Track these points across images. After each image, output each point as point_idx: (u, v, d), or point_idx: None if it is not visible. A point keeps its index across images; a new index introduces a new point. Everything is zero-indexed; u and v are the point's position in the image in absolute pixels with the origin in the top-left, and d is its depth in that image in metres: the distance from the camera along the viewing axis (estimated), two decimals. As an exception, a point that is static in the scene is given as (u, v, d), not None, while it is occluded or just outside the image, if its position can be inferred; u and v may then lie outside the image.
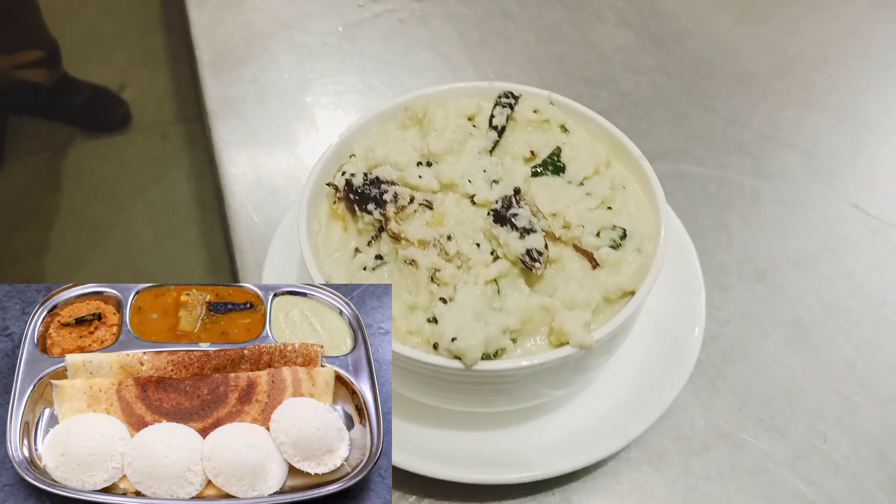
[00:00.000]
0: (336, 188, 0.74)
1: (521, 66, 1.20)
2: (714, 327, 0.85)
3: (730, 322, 0.86)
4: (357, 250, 0.72)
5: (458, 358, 0.61)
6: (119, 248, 2.46)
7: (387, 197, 0.71)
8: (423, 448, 0.70)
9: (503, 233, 0.68)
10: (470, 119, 0.82)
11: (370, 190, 0.72)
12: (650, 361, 0.76)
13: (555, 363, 0.62)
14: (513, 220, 0.68)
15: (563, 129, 0.81)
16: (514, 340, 0.65)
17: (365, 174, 0.73)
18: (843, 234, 0.95)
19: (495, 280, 0.67)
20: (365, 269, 0.70)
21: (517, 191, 0.72)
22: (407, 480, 0.71)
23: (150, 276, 2.38)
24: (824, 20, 1.28)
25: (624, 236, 0.69)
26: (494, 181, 0.74)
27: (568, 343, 0.62)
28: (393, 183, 0.73)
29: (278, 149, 1.05)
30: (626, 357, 0.77)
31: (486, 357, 0.62)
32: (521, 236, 0.67)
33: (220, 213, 0.97)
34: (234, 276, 0.90)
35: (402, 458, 0.68)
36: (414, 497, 0.73)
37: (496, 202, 0.71)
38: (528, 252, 0.66)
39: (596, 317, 0.66)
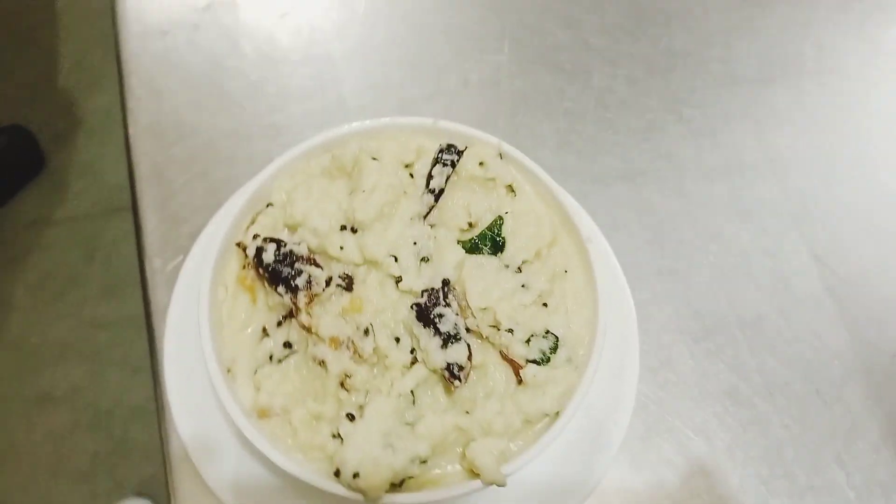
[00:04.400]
0: (245, 253, 0.66)
1: None
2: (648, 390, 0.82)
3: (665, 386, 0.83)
4: (265, 331, 0.65)
5: (360, 492, 0.57)
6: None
7: (299, 282, 0.63)
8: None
9: (425, 336, 0.62)
10: (407, 167, 0.72)
11: (282, 269, 0.64)
12: (570, 447, 0.73)
13: (463, 495, 0.59)
14: (437, 322, 0.62)
15: (510, 189, 0.72)
16: (424, 462, 0.61)
17: (279, 245, 0.65)
18: (800, 295, 0.90)
19: (411, 391, 0.62)
20: (271, 358, 0.64)
21: (445, 283, 0.65)
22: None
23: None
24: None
25: (555, 348, 0.64)
26: (424, 259, 0.66)
27: (479, 477, 0.59)
28: (309, 260, 0.65)
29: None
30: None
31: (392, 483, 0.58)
32: (444, 345, 0.61)
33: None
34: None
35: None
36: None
37: (422, 294, 0.64)
38: (449, 367, 0.61)
39: (513, 436, 0.62)
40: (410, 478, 0.59)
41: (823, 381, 0.85)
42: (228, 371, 0.63)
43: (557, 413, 0.62)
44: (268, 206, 0.70)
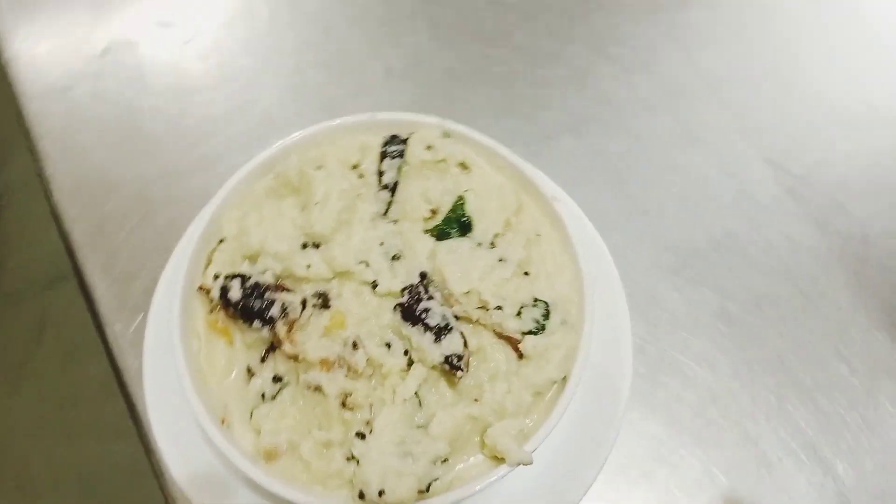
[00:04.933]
0: (210, 296, 0.63)
1: None
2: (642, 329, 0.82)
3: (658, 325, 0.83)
4: (250, 371, 0.62)
5: (388, 508, 0.55)
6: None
7: (274, 312, 0.60)
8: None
9: (415, 334, 0.60)
10: (355, 167, 0.70)
11: (252, 303, 0.61)
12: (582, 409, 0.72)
13: (493, 483, 0.57)
14: (424, 317, 0.60)
15: (463, 166, 0.70)
16: (445, 460, 0.59)
17: (243, 279, 0.62)
18: (763, 202, 0.91)
19: (415, 393, 0.59)
20: (264, 396, 0.61)
21: (423, 276, 0.62)
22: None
23: None
24: None
25: (547, 314, 0.62)
26: (395, 257, 0.64)
27: (504, 461, 0.57)
28: (278, 287, 0.62)
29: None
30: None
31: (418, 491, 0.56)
32: (437, 339, 0.59)
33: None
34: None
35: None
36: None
37: (401, 293, 0.62)
38: (448, 359, 0.59)
39: (527, 412, 0.61)
40: (436, 479, 0.57)
41: (804, 280, 0.86)
42: (223, 421, 0.60)
43: (565, 378, 0.61)
44: (220, 241, 0.66)
